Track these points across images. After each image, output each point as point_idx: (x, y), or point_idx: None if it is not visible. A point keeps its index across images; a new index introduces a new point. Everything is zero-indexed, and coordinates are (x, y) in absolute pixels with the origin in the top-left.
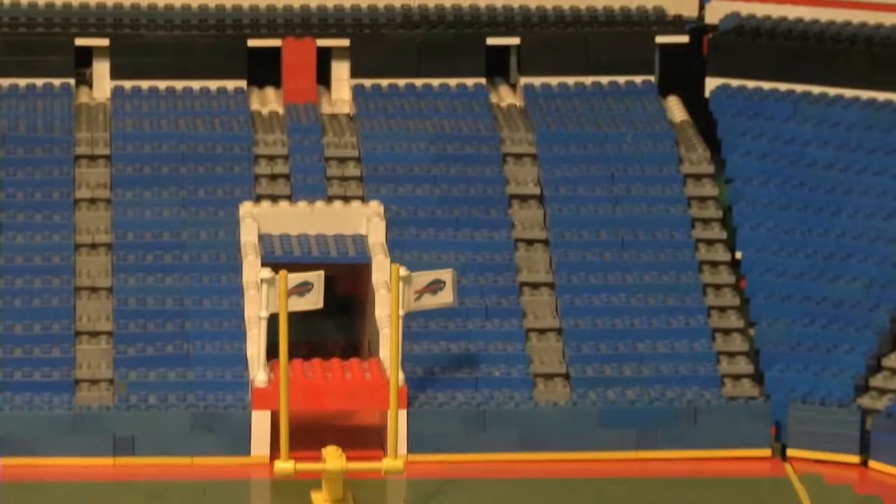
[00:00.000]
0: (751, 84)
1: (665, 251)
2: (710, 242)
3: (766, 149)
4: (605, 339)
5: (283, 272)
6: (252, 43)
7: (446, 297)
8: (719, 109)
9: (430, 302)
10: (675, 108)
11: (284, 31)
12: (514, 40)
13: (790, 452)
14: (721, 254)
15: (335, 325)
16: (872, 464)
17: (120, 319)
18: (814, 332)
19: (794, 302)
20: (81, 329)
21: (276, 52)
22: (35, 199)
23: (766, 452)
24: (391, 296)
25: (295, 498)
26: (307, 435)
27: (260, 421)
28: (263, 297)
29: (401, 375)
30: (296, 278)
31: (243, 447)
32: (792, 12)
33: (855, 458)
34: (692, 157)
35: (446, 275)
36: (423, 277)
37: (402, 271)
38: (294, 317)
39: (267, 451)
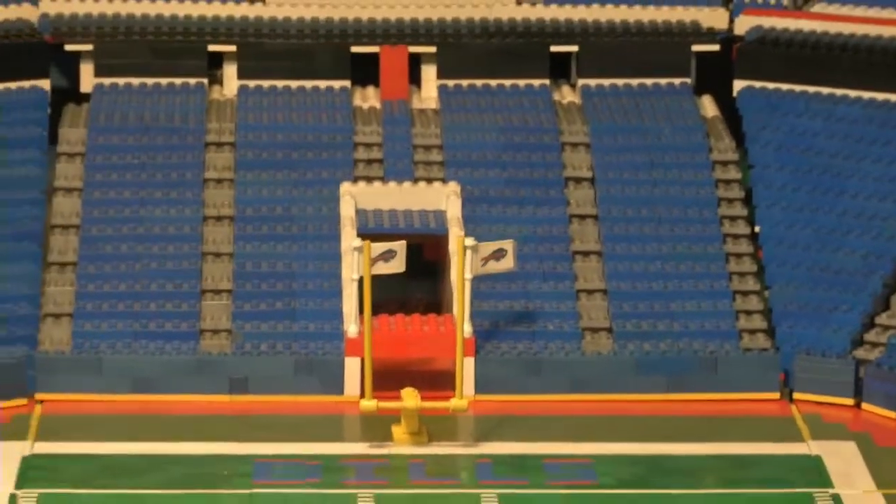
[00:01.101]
0: (771, 85)
1: (695, 225)
2: (732, 219)
3: (782, 140)
4: (642, 299)
5: (367, 242)
6: (355, 49)
7: (508, 263)
8: (744, 106)
9: (493, 267)
10: (708, 106)
11: (382, 39)
12: (574, 48)
13: (795, 396)
14: (742, 228)
15: (421, 287)
16: (865, 406)
17: (238, 280)
18: (818, 295)
19: (803, 269)
20: (206, 288)
21: (375, 57)
22: (171, 179)
23: (775, 395)
24: (457, 261)
25: (379, 430)
26: (391, 378)
27: (351, 366)
28: (355, 262)
29: (469, 328)
30: (382, 247)
31: (337, 388)
32: (806, 25)
33: (850, 401)
34: (720, 146)
35: (508, 244)
36: (488, 246)
37: (470, 241)
38: (386, 278)
39: (357, 392)
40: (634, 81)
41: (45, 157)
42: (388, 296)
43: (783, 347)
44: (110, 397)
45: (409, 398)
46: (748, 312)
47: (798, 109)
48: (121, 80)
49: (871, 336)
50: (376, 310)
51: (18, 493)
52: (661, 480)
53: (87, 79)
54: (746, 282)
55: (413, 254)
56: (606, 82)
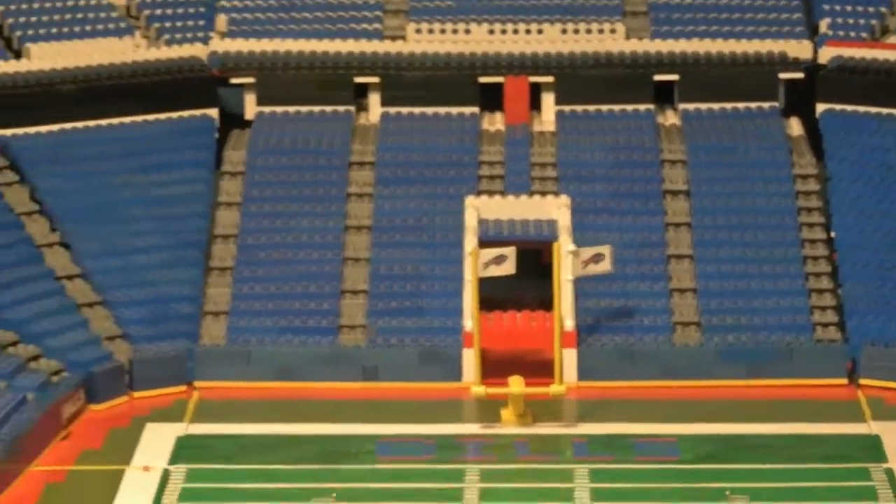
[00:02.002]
0: (849, 108)
1: (776, 232)
2: (810, 225)
3: (857, 156)
4: (728, 297)
5: (475, 248)
6: (483, 79)
7: (605, 266)
8: (825, 127)
9: (593, 270)
10: (794, 126)
11: (507, 70)
12: (675, 77)
13: (862, 382)
14: (818, 234)
15: (537, 286)
16: None
17: (374, 282)
18: (886, 293)
19: (871, 270)
20: (345, 289)
21: (500, 86)
22: (318, 194)
23: (843, 381)
24: (556, 265)
25: (490, 413)
26: (503, 367)
27: (468, 356)
28: (474, 265)
29: (570, 323)
30: (494, 252)
31: (456, 376)
32: (881, 55)
33: None
34: (801, 161)
35: (605, 249)
36: (588, 251)
37: (571, 247)
38: (506, 279)
39: (473, 379)
40: (729, 105)
41: (211, 176)
42: (506, 295)
43: (852, 339)
44: (257, 385)
45: (515, 384)
46: (822, 308)
47: (872, 129)
48: (279, 109)
49: None
50: (493, 306)
51: (171, 468)
52: (736, 456)
53: (250, 107)
54: (821, 281)
55: (533, 259)
56: (704, 106)
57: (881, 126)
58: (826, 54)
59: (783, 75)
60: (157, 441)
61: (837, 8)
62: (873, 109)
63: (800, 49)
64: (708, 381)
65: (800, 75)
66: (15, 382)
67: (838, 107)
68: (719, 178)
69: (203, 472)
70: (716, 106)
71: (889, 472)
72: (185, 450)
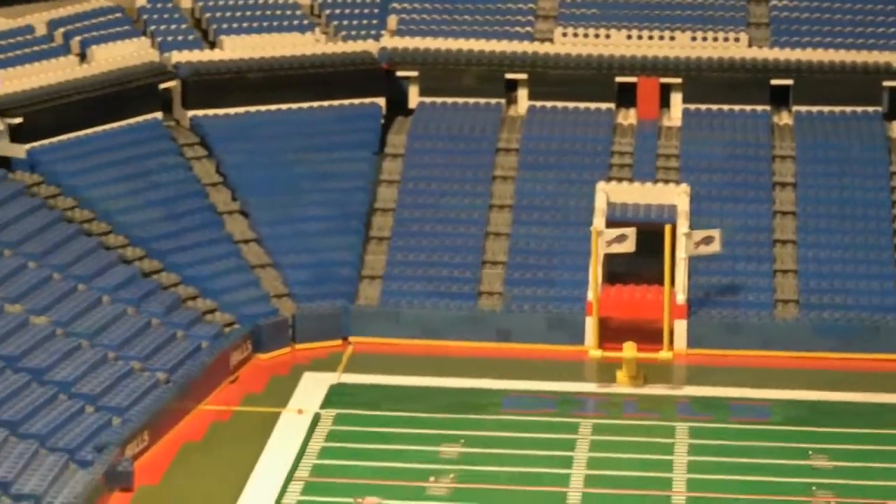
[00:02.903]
0: None
1: (871, 222)
2: None
3: None
4: (824, 278)
5: (594, 227)
6: (619, 79)
7: (715, 247)
8: None
9: (704, 250)
10: (895, 128)
11: (640, 71)
12: (790, 81)
13: None
14: None
15: (659, 263)
16: None
17: (512, 254)
18: None
19: None
20: (486, 259)
21: (634, 85)
22: (467, 176)
23: None
24: (667, 246)
25: (607, 374)
26: (622, 333)
27: (590, 323)
28: (599, 241)
29: (682, 297)
30: (617, 231)
31: (579, 340)
32: None
33: None
34: None
35: (715, 233)
36: (699, 234)
37: (684, 229)
38: (631, 256)
39: (594, 343)
40: (836, 108)
41: (374, 156)
42: (628, 269)
43: None
44: (404, 342)
45: (629, 349)
46: None
47: None
48: (438, 99)
49: None
50: (617, 280)
51: (322, 412)
52: (822, 420)
53: (413, 97)
54: None
55: (657, 239)
56: (814, 109)
57: None
58: None
59: (887, 83)
60: (311, 388)
61: None
62: None
63: None
64: (802, 353)
65: None
66: (191, 332)
67: None
68: (823, 172)
69: (349, 417)
70: (825, 109)
71: None
72: (335, 396)
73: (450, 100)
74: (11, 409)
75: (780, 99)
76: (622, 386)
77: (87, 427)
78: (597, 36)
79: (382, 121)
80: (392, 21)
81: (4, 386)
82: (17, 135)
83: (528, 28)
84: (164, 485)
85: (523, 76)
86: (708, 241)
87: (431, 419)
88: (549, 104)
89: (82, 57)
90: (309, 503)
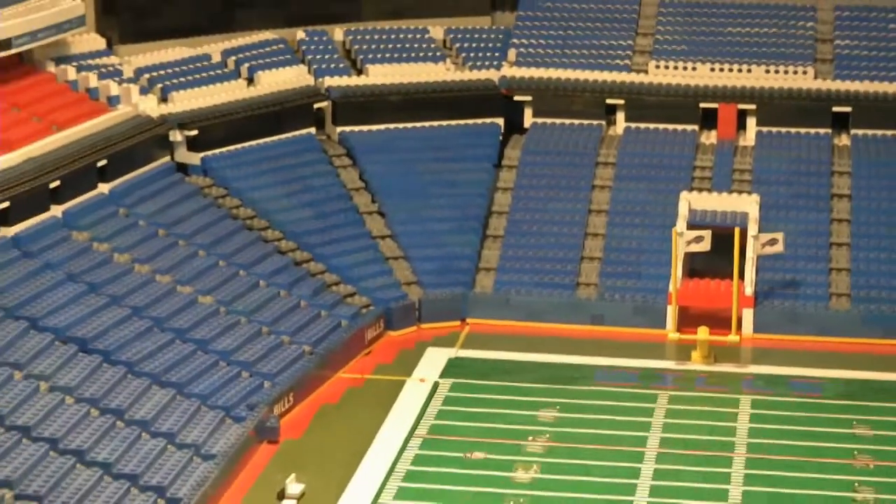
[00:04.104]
0: None
1: None
2: None
3: None
4: (873, 276)
5: (676, 229)
6: (702, 105)
7: (779, 248)
8: None
9: (769, 250)
10: None
11: (721, 98)
12: (849, 108)
13: None
14: None
15: (730, 261)
16: None
17: (606, 252)
18: None
19: None
20: (584, 255)
21: (715, 110)
22: (570, 185)
23: None
24: (737, 246)
25: (683, 353)
26: (697, 320)
27: (671, 310)
28: (679, 242)
29: (750, 289)
30: (694, 233)
31: (661, 324)
32: None
33: None
34: None
35: (779, 235)
36: (766, 236)
37: (753, 232)
38: (709, 254)
39: (673, 327)
40: (889, 132)
41: (493, 168)
42: (709, 267)
43: None
44: (512, 323)
45: (702, 333)
46: None
47: None
48: (548, 120)
49: None
50: (694, 274)
51: (440, 381)
52: (866, 396)
53: (528, 118)
54: None
55: (730, 240)
56: (870, 132)
57: None
58: None
59: None
60: (433, 360)
61: None
62: None
63: None
64: (852, 339)
65: None
66: (333, 312)
67: None
68: (875, 186)
69: (463, 385)
70: (879, 132)
71: None
72: (452, 368)
73: (558, 121)
74: (179, 372)
75: (840, 124)
76: (696, 364)
77: (241, 389)
78: (685, 68)
79: (500, 137)
80: (511, 54)
81: (174, 353)
82: (193, 145)
83: (627, 61)
84: (305, 439)
85: (621, 101)
86: (773, 242)
87: (532, 388)
88: (642, 125)
89: (250, 81)
90: (426, 456)
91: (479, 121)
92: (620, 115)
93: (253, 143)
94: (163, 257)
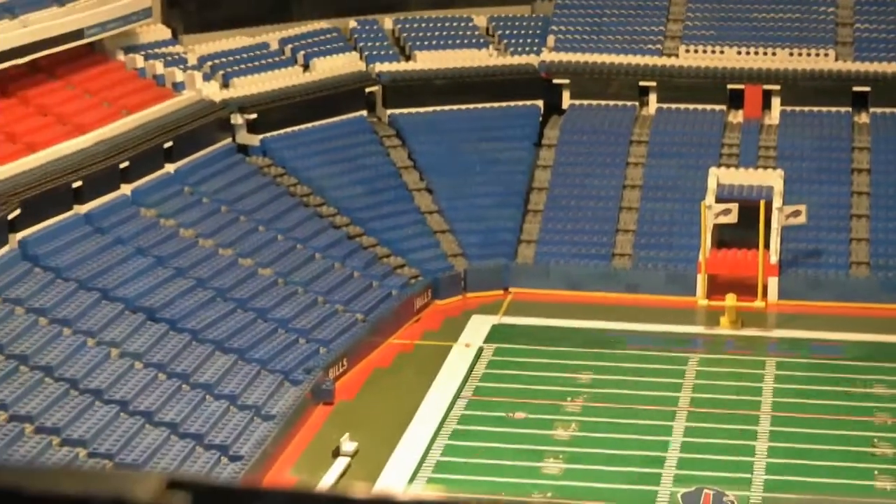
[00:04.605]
0: None
1: None
2: None
3: None
4: (891, 245)
5: (704, 203)
6: (730, 86)
7: (801, 219)
8: None
9: (792, 221)
10: None
11: (747, 80)
12: (868, 88)
13: None
14: None
15: (756, 232)
16: None
17: (640, 224)
18: None
19: None
20: (619, 228)
21: (741, 91)
22: (606, 161)
23: None
24: (762, 218)
25: (712, 319)
26: (726, 287)
27: (700, 279)
28: (708, 215)
29: (775, 258)
30: (722, 206)
31: (691, 292)
32: None
33: None
34: None
35: (801, 207)
36: (790, 208)
37: (777, 204)
38: (736, 226)
39: (703, 294)
40: None
41: (533, 147)
42: (732, 238)
43: None
44: (551, 292)
45: (730, 300)
46: None
47: None
48: (585, 101)
49: None
50: (722, 245)
51: (484, 346)
52: (883, 357)
53: (566, 100)
54: None
55: (756, 212)
56: (888, 110)
57: None
58: None
59: None
60: (477, 327)
61: None
62: None
63: None
64: (871, 304)
65: None
66: (384, 282)
67: None
68: (893, 160)
69: (506, 350)
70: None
71: None
72: (496, 334)
73: (594, 102)
74: (240, 339)
75: (859, 102)
76: (724, 328)
77: (299, 354)
78: (713, 52)
79: (540, 118)
80: (550, 40)
81: (235, 322)
82: (252, 127)
83: (658, 45)
84: (358, 400)
85: (653, 83)
86: (796, 214)
87: (571, 352)
88: (673, 106)
89: (305, 67)
90: (471, 416)
91: (520, 103)
92: (653, 97)
93: (308, 125)
94: (225, 232)
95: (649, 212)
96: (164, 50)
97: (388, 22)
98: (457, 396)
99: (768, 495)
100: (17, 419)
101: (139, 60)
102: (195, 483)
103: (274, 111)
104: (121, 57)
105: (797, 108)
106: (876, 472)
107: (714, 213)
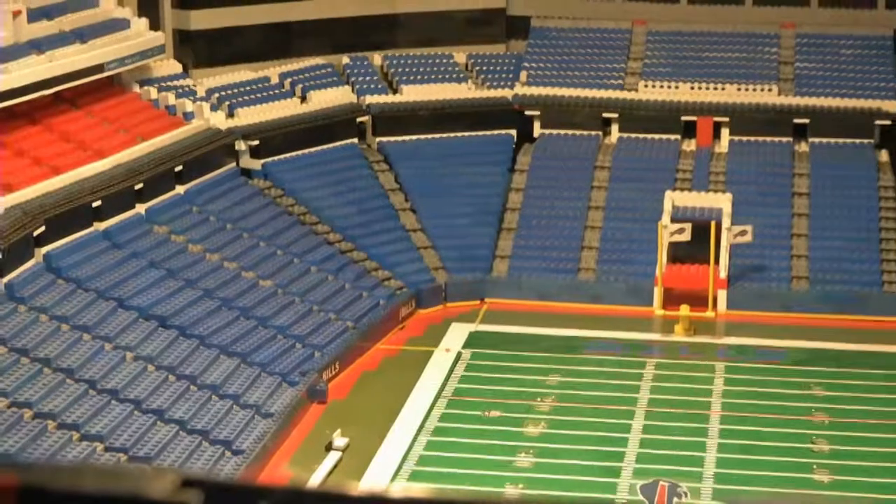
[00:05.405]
0: None
1: (863, 221)
2: (886, 218)
3: None
4: (828, 261)
5: (660, 223)
6: (684, 118)
7: (748, 238)
8: None
9: (740, 239)
10: (883, 155)
11: (699, 112)
12: (807, 120)
13: None
14: (892, 224)
15: (708, 249)
16: None
17: (603, 242)
18: None
19: None
20: (584, 245)
21: (694, 122)
22: (572, 184)
23: None
24: (713, 237)
25: (667, 327)
26: (679, 298)
27: (657, 291)
28: (664, 234)
29: (724, 273)
30: (677, 225)
31: (648, 303)
32: None
33: None
34: (884, 177)
35: (748, 227)
36: (737, 228)
37: (726, 224)
38: (689, 244)
39: (659, 305)
40: (840, 140)
41: (507, 171)
42: (686, 254)
43: None
44: (523, 302)
45: (684, 310)
46: (889, 271)
47: None
48: (554, 131)
49: None
50: (677, 260)
51: (463, 351)
52: (821, 362)
53: (537, 129)
54: (889, 254)
55: (707, 232)
56: (825, 140)
57: None
58: None
59: (878, 122)
60: (457, 334)
61: None
62: None
63: (889, 105)
64: (810, 315)
65: (888, 122)
66: (373, 293)
67: None
68: (830, 185)
69: (482, 354)
70: (832, 140)
71: None
72: (473, 340)
73: (562, 131)
74: (243, 344)
75: (799, 133)
76: (678, 336)
77: (295, 358)
78: (669, 87)
79: (513, 146)
80: (523, 75)
81: (238, 328)
82: (255, 152)
83: (620, 81)
84: (349, 399)
85: (615, 115)
86: (743, 233)
87: (540, 357)
88: (633, 135)
89: (303, 99)
90: (450, 414)
91: (496, 132)
92: (615, 127)
93: (305, 151)
94: (230, 247)
95: (611, 230)
96: (175, 83)
97: (377, 58)
98: (438, 396)
99: (718, 486)
100: (41, 416)
101: (153, 92)
102: (208, 481)
103: (274, 138)
104: (136, 89)
105: (744, 138)
106: (814, 467)
107: (669, 232)
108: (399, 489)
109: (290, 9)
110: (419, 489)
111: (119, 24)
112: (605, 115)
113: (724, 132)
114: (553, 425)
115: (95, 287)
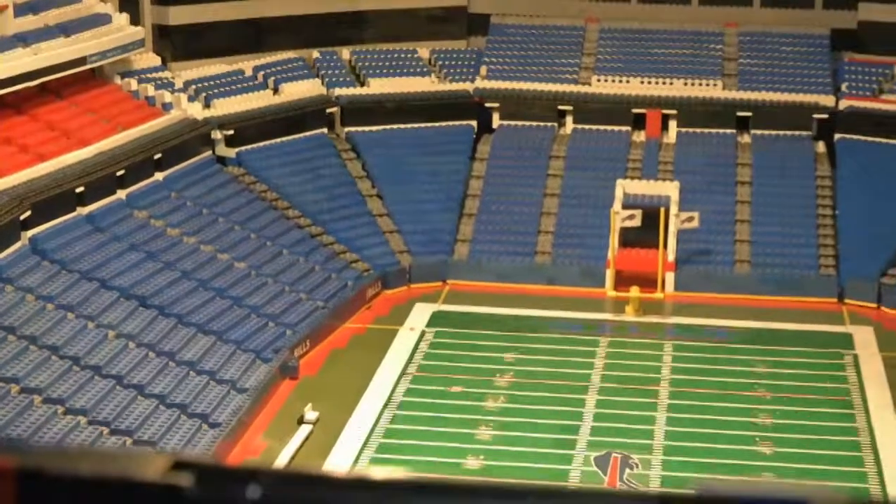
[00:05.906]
0: (856, 137)
1: (801, 209)
2: (823, 206)
3: (859, 163)
4: (769, 245)
5: (612, 210)
6: (634, 111)
7: (695, 223)
8: (840, 148)
9: (687, 225)
10: (819, 146)
11: (649, 105)
12: (750, 113)
13: (846, 301)
14: (828, 211)
15: (657, 234)
16: (883, 308)
17: (558, 227)
18: (866, 249)
19: (860, 235)
20: (540, 229)
21: (644, 115)
22: (528, 174)
23: (834, 301)
24: (662, 222)
25: (618, 308)
26: (630, 280)
27: (609, 273)
28: (616, 219)
29: (672, 256)
30: (627, 212)
31: (601, 284)
32: (879, 105)
33: (874, 305)
34: (821, 168)
35: (695, 214)
36: (685, 214)
37: (674, 210)
38: (639, 229)
39: (611, 287)
40: (781, 132)
41: (468, 160)
42: (637, 238)
43: (842, 274)
44: (483, 284)
45: (634, 291)
46: (826, 256)
47: (870, 149)
48: (512, 122)
49: (892, 271)
50: (628, 245)
51: (426, 329)
52: (763, 340)
53: (496, 121)
54: (827, 239)
55: (656, 218)
56: (767, 132)
57: (874, 148)
58: (843, 104)
59: (815, 115)
60: (420, 313)
61: (853, 75)
62: (871, 139)
63: (826, 100)
64: (753, 296)
65: (825, 116)
66: (341, 275)
67: (849, 136)
68: (770, 175)
69: (445, 333)
70: (773, 132)
71: (855, 356)
72: (436, 319)
73: (520, 123)
74: (219, 322)
75: (742, 125)
76: (629, 316)
77: (268, 336)
78: (620, 81)
79: (474, 136)
80: (483, 69)
81: (215, 307)
82: (230, 141)
83: (574, 75)
84: (320, 376)
85: (570, 107)
86: (690, 219)
87: (499, 335)
88: (586, 126)
89: (275, 91)
90: (415, 390)
91: (457, 123)
92: (569, 119)
93: (277, 140)
94: (206, 231)
95: (566, 216)
96: (154, 75)
97: (345, 53)
98: (403, 373)
99: (667, 458)
100: (27, 391)
101: (133, 84)
102: (199, 463)
103: (248, 128)
104: (118, 81)
105: (690, 130)
106: (757, 439)
107: (621, 218)
108: (382, 472)
109: (263, 5)
110: (399, 473)
111: (101, 19)
112: (560, 107)
113: (672, 124)
114: (511, 400)
115: (79, 268)
